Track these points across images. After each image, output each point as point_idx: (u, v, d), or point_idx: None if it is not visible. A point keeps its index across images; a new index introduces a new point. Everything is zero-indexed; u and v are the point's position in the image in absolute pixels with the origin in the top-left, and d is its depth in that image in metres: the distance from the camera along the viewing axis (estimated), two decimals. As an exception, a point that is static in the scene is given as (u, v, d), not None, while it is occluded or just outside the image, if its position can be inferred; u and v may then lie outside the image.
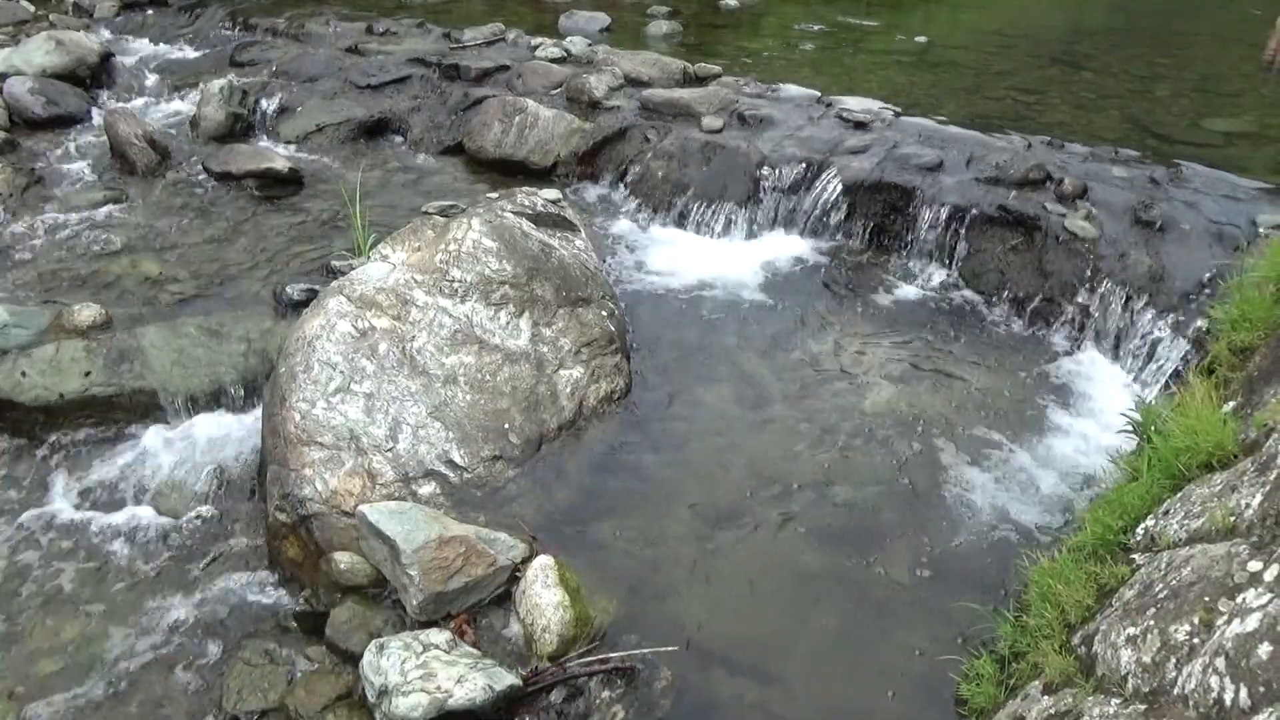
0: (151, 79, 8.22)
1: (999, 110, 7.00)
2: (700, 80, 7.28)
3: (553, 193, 5.15)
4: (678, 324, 4.89)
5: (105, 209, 5.80)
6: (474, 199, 5.55)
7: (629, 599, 3.15)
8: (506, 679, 2.76)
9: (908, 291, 5.24)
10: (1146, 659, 2.06)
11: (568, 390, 4.01)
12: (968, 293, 5.19)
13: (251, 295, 4.74)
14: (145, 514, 3.70)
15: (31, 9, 9.64)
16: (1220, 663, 1.81)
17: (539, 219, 4.76)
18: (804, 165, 5.78)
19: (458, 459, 3.57)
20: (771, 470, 3.78)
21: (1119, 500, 2.82)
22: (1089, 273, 4.76)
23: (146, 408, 4.07)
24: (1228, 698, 1.76)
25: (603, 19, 9.84)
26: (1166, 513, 2.59)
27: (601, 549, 3.37)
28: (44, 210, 5.77)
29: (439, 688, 2.67)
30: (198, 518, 3.70)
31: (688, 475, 3.77)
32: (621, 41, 8.92)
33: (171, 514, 3.71)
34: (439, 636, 2.91)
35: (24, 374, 4.01)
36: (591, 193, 6.38)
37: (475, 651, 2.91)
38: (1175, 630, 2.03)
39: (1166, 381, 4.18)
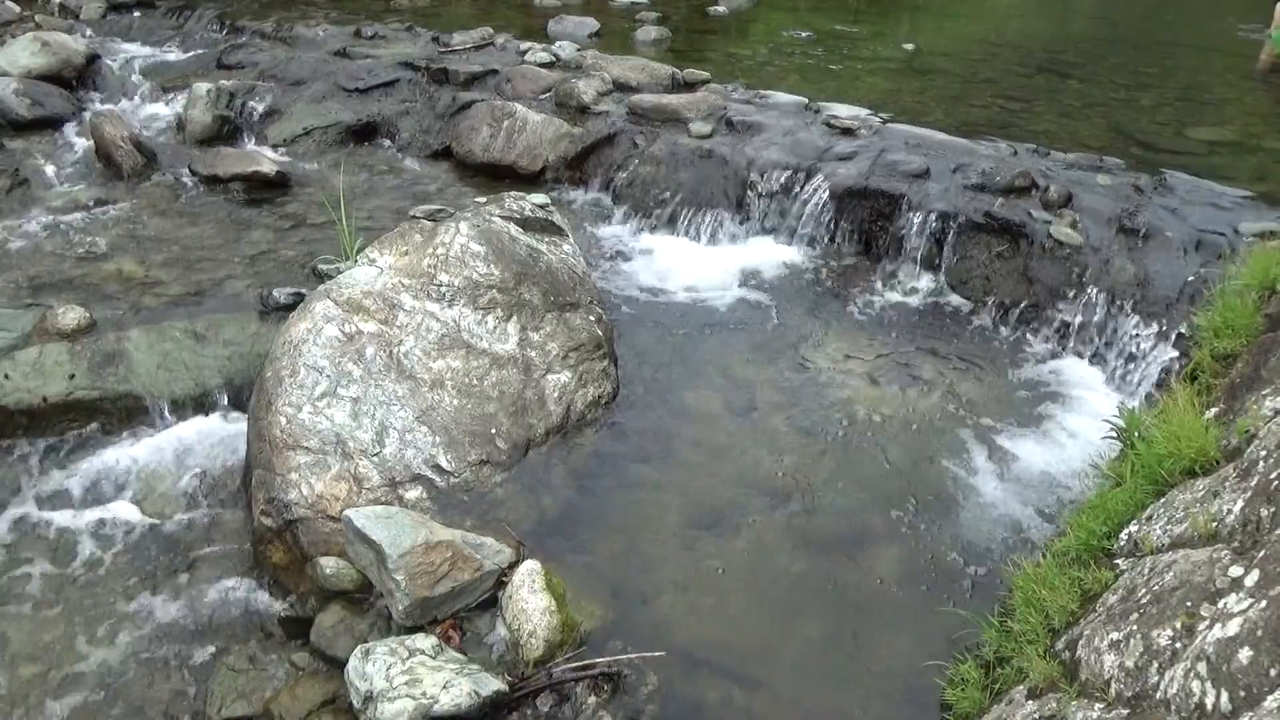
0: (138, 81, 8.18)
1: (985, 117, 7.05)
2: (689, 86, 7.31)
3: (541, 197, 5.15)
4: (666, 329, 4.90)
5: (90, 211, 5.77)
6: (462, 203, 5.54)
7: (616, 604, 3.15)
8: (492, 684, 2.75)
9: (894, 297, 5.26)
10: (1129, 663, 2.07)
11: (555, 395, 4.00)
12: (954, 299, 5.22)
13: (237, 299, 4.72)
14: (129, 518, 3.68)
15: (17, 9, 9.58)
16: (1202, 667, 1.82)
17: (527, 224, 4.76)
18: (792, 171, 5.80)
19: (444, 464, 3.56)
20: (758, 475, 3.79)
21: (1103, 506, 2.84)
22: (1074, 279, 4.80)
23: (131, 411, 4.05)
24: (1209, 702, 1.77)
25: (592, 24, 9.86)
26: (1150, 518, 2.61)
27: (588, 554, 3.37)
28: (28, 212, 5.73)
29: (425, 693, 2.66)
30: (182, 522, 3.67)
31: (675, 480, 3.77)
32: (610, 47, 8.93)
33: (155, 519, 3.68)
34: (425, 642, 2.90)
35: (6, 377, 3.97)
36: (580, 198, 6.39)
37: (461, 657, 2.90)
38: (1158, 635, 2.04)
39: (1150, 388, 4.21)
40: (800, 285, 5.38)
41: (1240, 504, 2.26)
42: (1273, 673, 1.69)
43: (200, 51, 8.90)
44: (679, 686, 2.86)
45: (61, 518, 3.67)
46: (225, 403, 4.15)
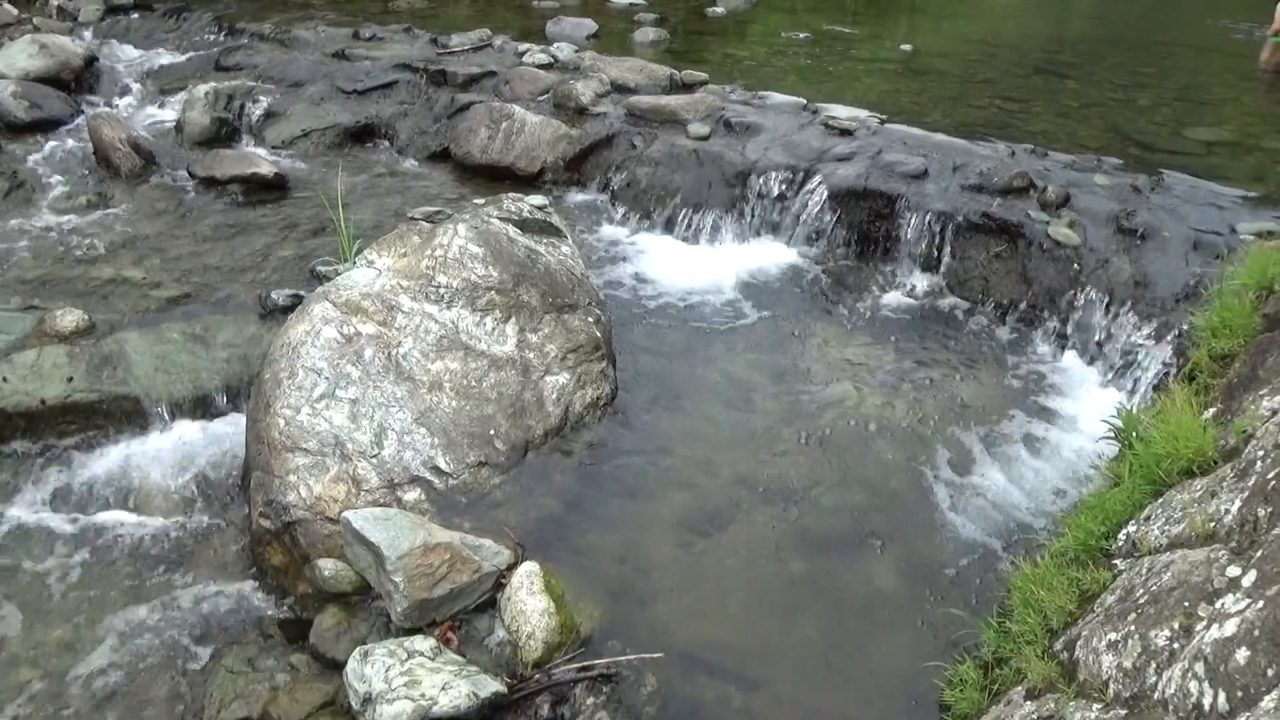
0: (136, 83, 8.18)
1: (983, 118, 7.06)
2: (687, 87, 7.31)
3: (539, 199, 5.15)
4: (664, 330, 4.90)
5: (89, 214, 5.76)
6: (460, 205, 5.54)
7: (614, 605, 3.15)
8: (491, 686, 2.75)
9: (893, 298, 5.26)
10: (1127, 664, 2.07)
11: (554, 396, 4.00)
12: (952, 299, 5.22)
13: (236, 301, 4.71)
14: (127, 521, 3.67)
15: (14, 12, 9.58)
16: (1199, 667, 1.83)
17: (525, 225, 4.76)
18: (790, 172, 5.80)
19: (443, 465, 3.56)
20: (757, 476, 3.79)
21: (1101, 506, 2.84)
22: (1072, 280, 4.80)
23: (129, 414, 4.04)
24: (1206, 702, 1.77)
25: (590, 25, 9.87)
26: (1148, 518, 2.61)
27: (587, 555, 3.37)
28: (26, 214, 5.73)
29: (423, 695, 2.66)
30: (180, 525, 3.67)
31: (674, 481, 3.77)
32: (608, 48, 8.93)
33: (154, 521, 3.68)
34: (424, 644, 2.90)
35: (5, 379, 3.97)
36: (578, 199, 6.39)
37: (460, 658, 2.90)
38: (1155, 635, 2.05)
39: (1148, 388, 4.21)
40: (798, 286, 5.39)
41: (1238, 504, 2.26)
42: (1270, 673, 1.69)
43: (198, 53, 8.89)
44: (678, 687, 2.86)
45: (60, 520, 3.67)
46: (224, 405, 4.15)
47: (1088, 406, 4.27)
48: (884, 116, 6.50)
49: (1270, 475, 2.24)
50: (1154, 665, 2.00)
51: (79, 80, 7.81)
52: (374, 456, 3.49)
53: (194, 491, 3.81)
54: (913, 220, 5.40)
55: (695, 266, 5.53)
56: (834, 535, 3.50)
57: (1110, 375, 4.49)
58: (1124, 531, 2.67)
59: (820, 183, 5.69)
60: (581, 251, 5.13)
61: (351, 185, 6.26)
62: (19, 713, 2.94)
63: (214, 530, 3.66)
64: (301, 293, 4.45)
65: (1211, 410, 3.03)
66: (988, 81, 8.35)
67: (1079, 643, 2.29)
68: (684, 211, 5.90)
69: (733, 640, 3.06)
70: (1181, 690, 1.85)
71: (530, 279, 4.33)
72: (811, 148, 6.01)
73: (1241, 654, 1.76)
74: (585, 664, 2.86)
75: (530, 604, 2.98)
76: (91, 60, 8.06)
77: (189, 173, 6.34)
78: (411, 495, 3.45)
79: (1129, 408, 3.51)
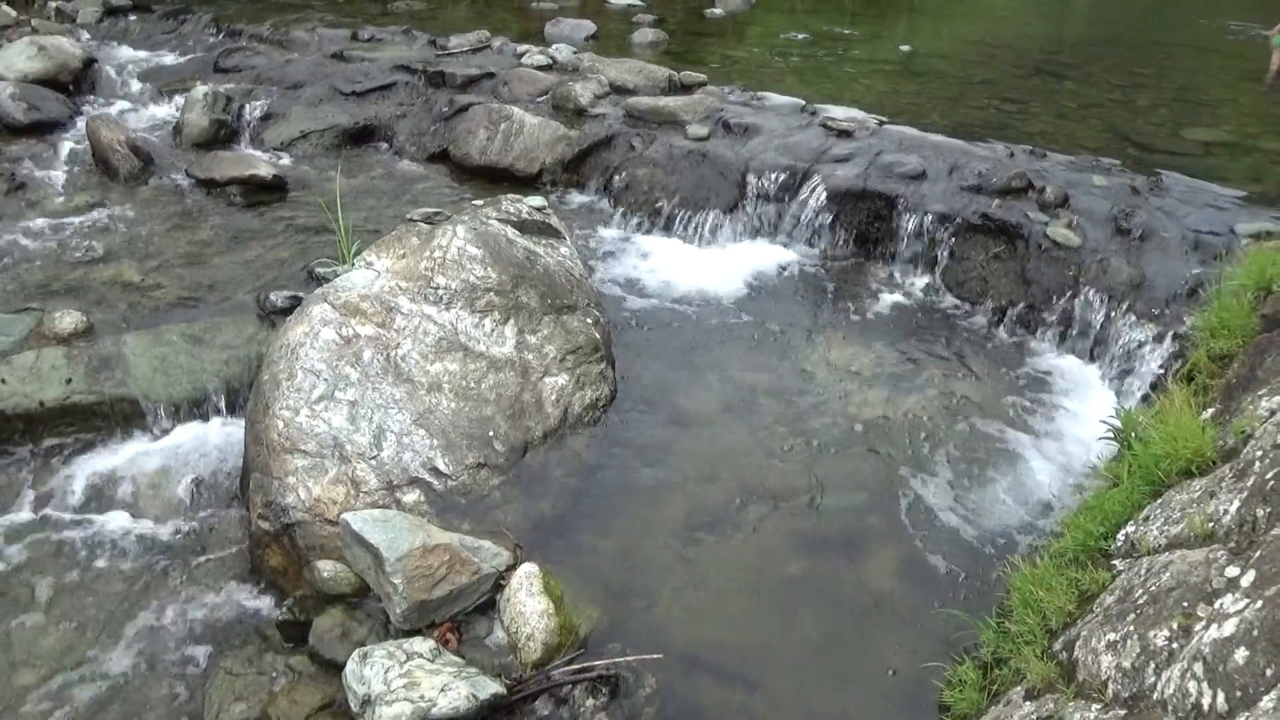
0: (135, 85, 8.18)
1: (981, 119, 7.06)
2: (685, 88, 7.32)
3: (538, 200, 5.15)
4: (663, 331, 4.90)
5: (87, 215, 5.76)
6: (459, 206, 5.54)
7: (614, 607, 3.15)
8: (490, 687, 2.75)
9: (892, 299, 5.27)
10: (1126, 664, 2.07)
11: (553, 398, 4.00)
12: (951, 300, 5.22)
13: (235, 302, 4.71)
14: (126, 523, 3.67)
15: (13, 13, 9.59)
16: (1198, 668, 1.83)
17: (524, 226, 4.76)
18: (789, 173, 5.81)
19: (442, 467, 3.56)
20: (756, 477, 3.79)
21: (1100, 507, 2.84)
22: (1071, 280, 4.80)
23: (128, 416, 4.04)
24: (1205, 702, 1.77)
25: (589, 27, 9.88)
26: (1147, 519, 2.61)
27: (586, 556, 3.37)
28: (25, 216, 5.73)
29: (423, 696, 2.65)
30: (180, 527, 3.67)
31: (673, 482, 3.77)
32: (607, 49, 8.94)
33: (153, 523, 3.67)
34: (423, 645, 2.89)
35: (4, 381, 3.97)
36: (577, 200, 6.39)
37: (459, 660, 2.90)
38: (1155, 635, 2.05)
39: (1147, 389, 4.21)
40: (797, 287, 5.39)
41: (1236, 504, 2.26)
42: (1269, 673, 1.69)
43: (197, 55, 8.90)
44: (677, 688, 2.86)
45: (59, 522, 3.66)
46: (223, 407, 4.15)
47: (1086, 407, 4.28)
48: (883, 117, 6.51)
49: (1269, 475, 2.24)
50: (1153, 665, 2.00)
51: (77, 82, 7.82)
52: (373, 458, 3.49)
53: (193, 493, 3.81)
54: (911, 221, 5.40)
55: (694, 267, 5.53)
56: (833, 536, 3.50)
57: (1109, 376, 4.49)
58: (1123, 532, 2.67)
59: (819, 183, 5.69)
60: (580, 253, 5.13)
61: (350, 186, 6.26)
62: (19, 714, 2.94)
63: (213, 532, 3.65)
64: (300, 294, 4.45)
65: (1210, 411, 3.04)
66: (986, 82, 8.36)
67: (1078, 643, 2.29)
68: (683, 212, 5.90)
69: (732, 640, 3.06)
70: (1180, 690, 1.85)
71: (529, 280, 4.33)
72: (810, 149, 6.02)
73: (1240, 654, 1.76)
74: (584, 665, 2.86)
75: (529, 605, 2.98)
76: (90, 62, 8.07)
77: (188, 174, 6.34)
78: (410, 497, 3.44)
79: (1128, 408, 3.51)
